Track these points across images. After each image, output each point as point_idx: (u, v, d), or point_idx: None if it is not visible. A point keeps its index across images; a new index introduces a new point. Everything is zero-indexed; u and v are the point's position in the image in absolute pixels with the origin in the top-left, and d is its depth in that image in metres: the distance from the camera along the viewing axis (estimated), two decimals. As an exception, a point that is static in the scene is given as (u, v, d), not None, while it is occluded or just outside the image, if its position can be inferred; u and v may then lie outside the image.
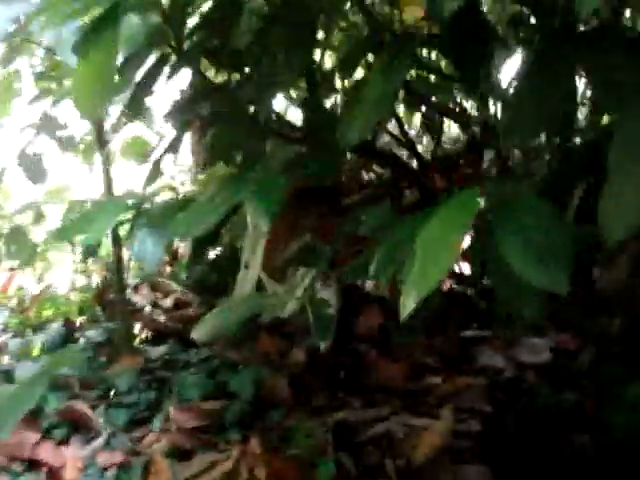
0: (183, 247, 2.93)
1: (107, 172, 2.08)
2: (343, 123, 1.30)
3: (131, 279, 2.71)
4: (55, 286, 2.97)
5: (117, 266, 2.16)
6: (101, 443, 1.80)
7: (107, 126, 2.10)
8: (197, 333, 1.35)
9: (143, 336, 2.23)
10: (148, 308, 2.43)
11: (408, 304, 0.96)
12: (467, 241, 2.58)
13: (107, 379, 2.05)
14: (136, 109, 1.57)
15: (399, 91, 1.24)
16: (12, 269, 3.01)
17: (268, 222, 1.22)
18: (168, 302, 2.47)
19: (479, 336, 2.31)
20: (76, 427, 1.89)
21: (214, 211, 1.35)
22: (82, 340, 2.31)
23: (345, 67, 1.36)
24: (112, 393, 2.01)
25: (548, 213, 1.01)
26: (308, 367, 2.10)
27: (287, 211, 1.81)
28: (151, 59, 1.53)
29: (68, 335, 2.38)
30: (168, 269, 2.85)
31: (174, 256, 2.90)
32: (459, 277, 2.71)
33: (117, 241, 2.13)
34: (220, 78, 1.69)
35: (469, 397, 1.93)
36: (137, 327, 2.28)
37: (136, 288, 2.64)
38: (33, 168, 2.25)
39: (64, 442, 1.84)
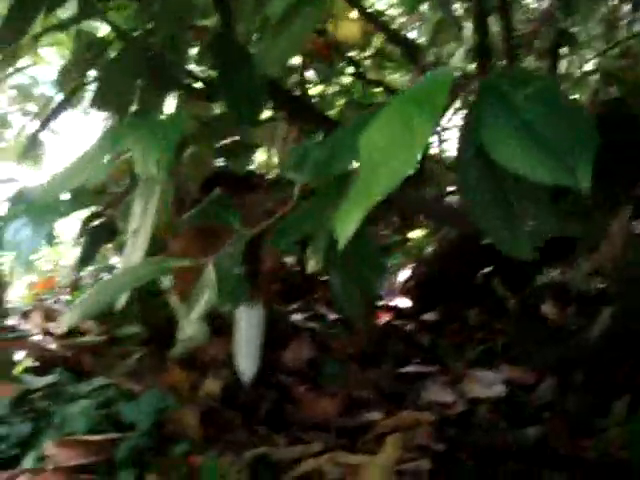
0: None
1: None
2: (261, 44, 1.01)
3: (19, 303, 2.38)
4: None
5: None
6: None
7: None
8: (67, 319, 1.00)
9: (27, 364, 1.86)
10: (38, 336, 2.09)
11: (346, 226, 0.61)
12: (406, 274, 2.43)
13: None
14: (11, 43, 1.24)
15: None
16: None
17: (150, 170, 0.97)
18: (61, 330, 2.12)
19: (422, 371, 2.07)
20: None
21: (91, 163, 1.04)
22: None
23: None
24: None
25: (555, 94, 0.68)
26: (224, 400, 1.79)
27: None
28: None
29: None
30: (66, 297, 2.52)
31: (75, 284, 2.59)
32: (398, 311, 2.47)
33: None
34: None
35: (415, 434, 1.65)
36: (20, 355, 1.91)
37: (25, 314, 2.29)
38: None
39: None
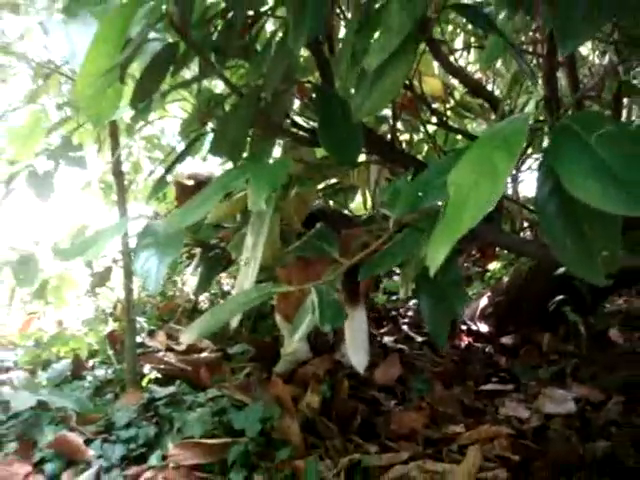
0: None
1: (122, 202, 1.77)
2: (357, 97, 1.01)
3: (145, 323, 2.41)
4: (67, 324, 2.64)
5: (128, 306, 1.84)
6: (91, 478, 1.44)
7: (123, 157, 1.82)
8: (187, 335, 1.01)
9: (152, 376, 1.89)
10: (161, 352, 2.11)
11: (437, 256, 0.61)
12: (485, 301, 2.38)
13: (108, 415, 1.69)
14: (144, 100, 1.26)
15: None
16: (32, 313, 2.71)
17: (260, 205, 0.95)
18: (182, 347, 2.14)
19: (500, 389, 2.02)
20: (69, 461, 1.52)
21: (209, 199, 1.06)
22: (89, 378, 1.96)
23: (361, 33, 1.03)
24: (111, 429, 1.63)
25: (626, 135, 0.66)
26: (322, 412, 1.77)
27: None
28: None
29: (75, 372, 2.03)
30: (185, 319, 2.55)
31: (194, 307, 2.62)
32: (478, 335, 2.43)
33: (128, 275, 1.81)
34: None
35: (494, 445, 1.62)
36: (147, 368, 1.94)
37: (151, 333, 2.33)
38: (41, 184, 1.95)
39: (55, 477, 1.48)
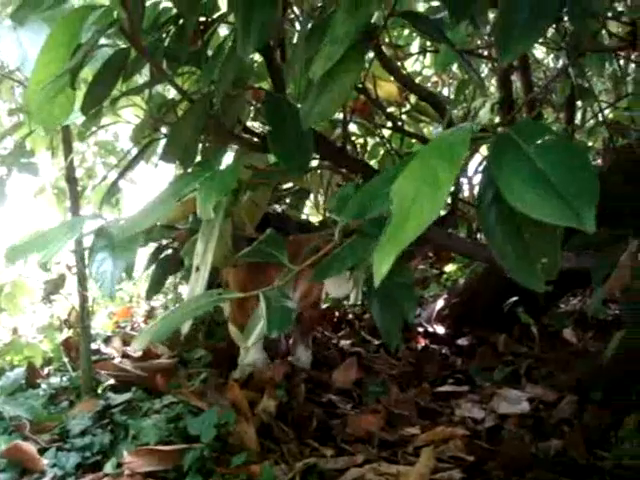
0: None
1: (75, 209, 1.75)
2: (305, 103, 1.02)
3: (101, 330, 2.40)
4: (22, 332, 2.60)
5: (82, 313, 1.83)
6: (44, 487, 1.43)
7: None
8: (138, 342, 1.01)
9: (108, 383, 1.87)
10: (117, 359, 2.10)
11: (381, 266, 0.62)
12: (441, 303, 2.40)
13: (63, 423, 1.67)
14: (94, 106, 1.26)
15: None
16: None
17: (209, 213, 0.97)
18: (138, 353, 2.13)
19: (455, 391, 2.04)
20: (23, 470, 1.50)
21: (162, 205, 1.06)
22: (44, 386, 1.94)
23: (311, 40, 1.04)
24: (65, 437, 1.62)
25: (564, 145, 0.68)
26: (278, 416, 1.77)
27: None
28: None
29: (30, 380, 2.00)
30: (142, 325, 2.54)
31: (150, 313, 2.61)
32: (434, 337, 2.45)
33: (82, 282, 1.80)
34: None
35: (449, 446, 1.63)
36: (103, 375, 1.93)
37: (107, 340, 2.31)
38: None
39: (8, 487, 1.47)
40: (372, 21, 1.03)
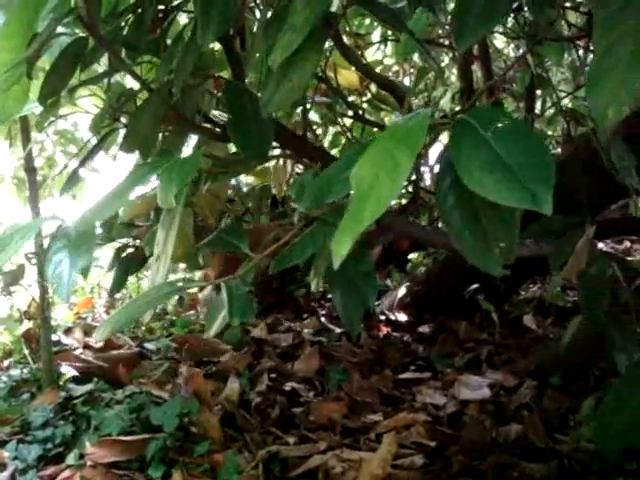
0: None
1: (35, 199, 1.73)
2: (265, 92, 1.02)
3: (62, 322, 2.37)
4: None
5: (42, 304, 1.80)
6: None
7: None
8: (99, 333, 1.00)
9: (69, 375, 1.86)
10: (79, 350, 2.08)
11: (340, 249, 0.62)
12: (403, 291, 2.41)
13: (24, 415, 1.65)
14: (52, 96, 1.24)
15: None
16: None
17: (169, 202, 0.96)
18: (99, 344, 2.12)
19: (417, 377, 2.06)
20: (-17, 464, 1.49)
21: (121, 195, 1.05)
22: (4, 378, 1.92)
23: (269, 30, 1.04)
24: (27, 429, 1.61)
25: (520, 129, 0.69)
26: (241, 405, 1.77)
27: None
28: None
29: (-12, 374, 1.98)
30: (105, 316, 2.52)
31: (111, 304, 2.59)
32: (396, 324, 2.47)
33: (42, 273, 1.78)
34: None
35: (411, 433, 1.65)
36: (64, 366, 1.91)
37: (68, 331, 2.29)
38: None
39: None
40: (331, 9, 1.03)
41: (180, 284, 0.97)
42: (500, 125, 0.68)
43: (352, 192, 0.67)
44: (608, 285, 1.09)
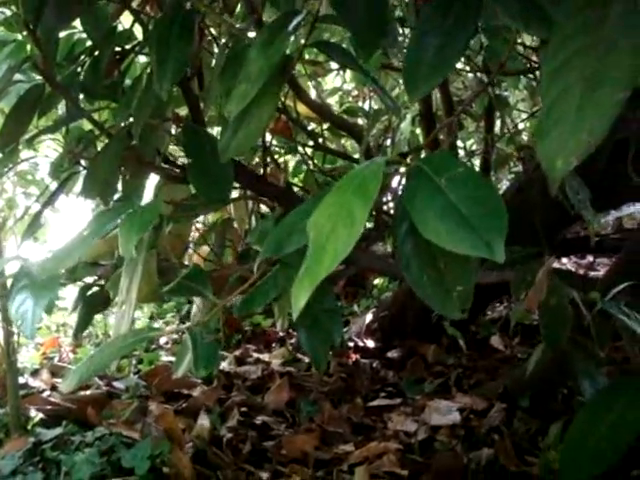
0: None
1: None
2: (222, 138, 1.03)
3: (28, 363, 2.34)
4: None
5: (7, 348, 1.78)
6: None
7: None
8: (66, 384, 1.00)
9: (38, 419, 1.83)
10: (46, 392, 2.06)
11: (299, 300, 0.63)
12: (370, 316, 2.42)
13: (-9, 465, 1.63)
14: (10, 143, 1.25)
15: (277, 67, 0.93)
16: None
17: (130, 252, 0.97)
18: (67, 387, 2.09)
19: (388, 404, 2.06)
20: (-50, 519, 1.46)
21: (83, 243, 1.05)
22: (-32, 426, 1.89)
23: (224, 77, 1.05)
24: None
25: (473, 178, 0.70)
26: (212, 442, 1.76)
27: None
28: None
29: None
30: (72, 355, 2.49)
31: (78, 343, 2.56)
32: (365, 351, 2.47)
33: (6, 318, 1.76)
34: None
35: (383, 462, 1.65)
36: (32, 410, 1.88)
37: (35, 373, 2.26)
38: None
39: None
40: (287, 52, 1.04)
41: (145, 334, 0.97)
42: (454, 173, 0.70)
43: (309, 242, 0.68)
44: (569, 315, 1.10)
